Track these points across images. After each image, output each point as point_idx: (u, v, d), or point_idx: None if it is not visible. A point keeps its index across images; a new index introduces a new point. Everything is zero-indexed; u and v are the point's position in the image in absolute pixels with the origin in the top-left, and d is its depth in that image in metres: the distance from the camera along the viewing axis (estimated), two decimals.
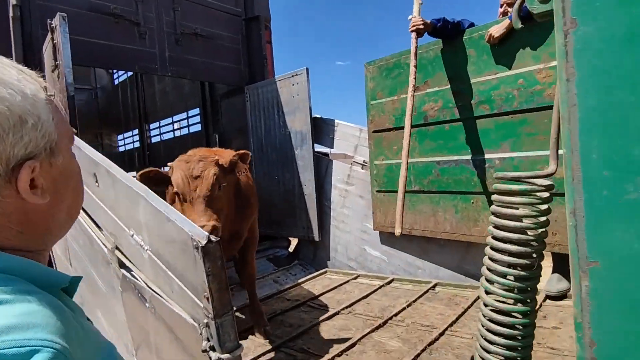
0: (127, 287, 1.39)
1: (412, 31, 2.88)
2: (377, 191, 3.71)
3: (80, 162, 0.59)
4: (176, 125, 8.25)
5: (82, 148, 1.68)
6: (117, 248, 1.49)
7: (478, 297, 2.81)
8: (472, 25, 2.91)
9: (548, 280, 2.70)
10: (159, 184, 2.12)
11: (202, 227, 1.73)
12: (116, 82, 10.03)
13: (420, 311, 2.78)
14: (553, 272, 2.74)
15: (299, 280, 3.88)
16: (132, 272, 1.38)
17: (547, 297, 2.61)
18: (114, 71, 9.98)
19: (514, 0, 2.76)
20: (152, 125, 9.14)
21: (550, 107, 2.57)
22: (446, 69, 3.08)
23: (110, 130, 10.48)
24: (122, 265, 1.43)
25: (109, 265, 1.49)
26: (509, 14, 2.63)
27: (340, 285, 3.61)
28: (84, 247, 1.81)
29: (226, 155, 2.36)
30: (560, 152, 2.05)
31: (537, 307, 2.45)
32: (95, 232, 1.66)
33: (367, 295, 3.23)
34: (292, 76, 4.42)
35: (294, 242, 4.99)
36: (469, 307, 2.66)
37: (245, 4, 5.14)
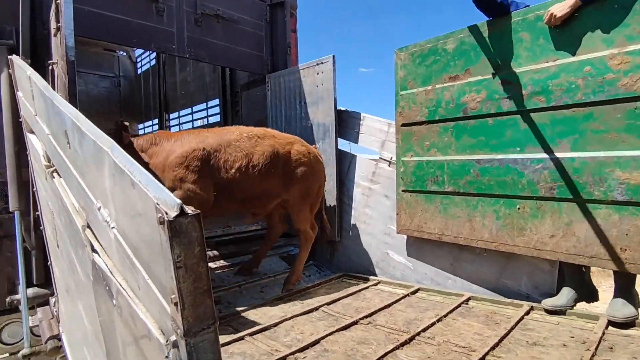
0: (97, 276, 1.11)
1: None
2: (402, 190, 3.36)
3: (55, 120, 0.30)
4: (195, 116, 8.10)
5: (55, 102, 1.41)
6: (88, 226, 1.22)
7: (522, 317, 2.44)
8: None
9: (611, 304, 2.31)
10: None
11: None
12: (139, 71, 9.98)
13: (453, 328, 2.42)
14: (615, 295, 2.34)
15: (314, 283, 3.57)
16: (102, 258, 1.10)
17: (611, 323, 2.22)
18: (137, 60, 9.93)
19: None
20: (172, 115, 9.03)
21: (625, 100, 2.20)
22: (492, 55, 2.71)
23: (131, 119, 10.44)
24: (93, 248, 1.14)
25: (85, 248, 1.21)
26: None
27: (359, 291, 3.29)
28: (66, 226, 1.55)
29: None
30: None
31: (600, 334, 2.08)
32: (73, 206, 1.39)
33: (390, 305, 2.89)
34: (317, 64, 4.12)
35: None
36: (512, 328, 2.29)
37: None
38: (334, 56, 4.03)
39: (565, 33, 2.35)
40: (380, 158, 3.79)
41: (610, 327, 2.20)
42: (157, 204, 0.73)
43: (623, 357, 1.87)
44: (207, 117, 7.61)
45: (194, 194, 2.88)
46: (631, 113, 2.14)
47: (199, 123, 8.03)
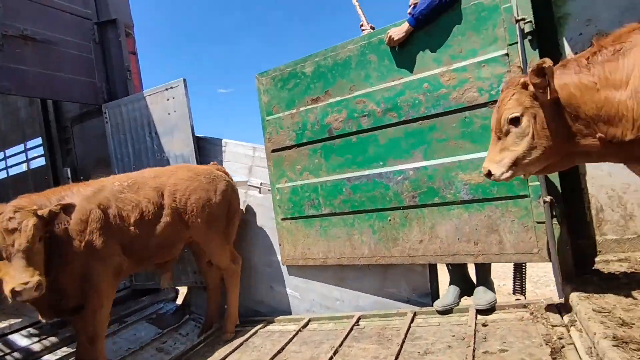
0: None
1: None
2: (282, 219, 3.17)
3: None
4: (10, 161, 6.38)
5: None
6: None
7: (409, 327, 2.49)
8: None
9: (474, 294, 2.54)
10: None
11: (26, 283, 1.80)
12: None
13: (350, 358, 2.30)
14: (477, 285, 2.60)
15: (193, 344, 3.03)
16: None
17: (478, 312, 2.43)
18: None
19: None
20: None
21: (457, 111, 2.50)
22: (347, 76, 2.80)
23: None
24: None
25: None
26: (410, 15, 2.48)
27: (248, 339, 2.92)
28: None
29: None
30: None
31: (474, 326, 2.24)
32: None
33: (283, 348, 2.62)
34: (166, 89, 3.66)
35: (183, 291, 4.06)
36: (403, 342, 2.29)
37: (97, 5, 4.19)
38: (184, 79, 3.65)
39: (405, 54, 2.57)
40: (249, 185, 3.54)
41: (479, 316, 2.41)
42: None
43: (495, 345, 2.04)
44: (27, 160, 6.06)
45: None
46: (463, 122, 2.44)
47: (19, 169, 6.35)
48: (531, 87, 1.68)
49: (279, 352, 2.55)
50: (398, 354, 2.17)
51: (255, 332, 3.02)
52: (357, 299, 3.04)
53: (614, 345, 1.47)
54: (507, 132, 1.75)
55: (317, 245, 3.02)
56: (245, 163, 3.57)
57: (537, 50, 2.15)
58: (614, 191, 2.34)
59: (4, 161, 6.48)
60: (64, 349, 3.05)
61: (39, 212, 2.02)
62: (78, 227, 2.28)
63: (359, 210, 2.81)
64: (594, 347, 1.61)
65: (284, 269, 3.31)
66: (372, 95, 2.69)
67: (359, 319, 2.80)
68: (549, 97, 1.63)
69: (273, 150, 3.17)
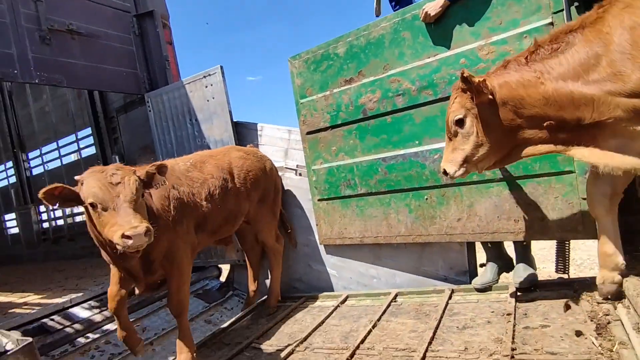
0: None
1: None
2: (318, 200, 3.26)
3: None
4: (63, 151, 6.87)
5: None
6: None
7: (447, 303, 2.53)
8: None
9: (514, 272, 2.52)
10: (66, 201, 1.97)
11: (136, 227, 1.78)
12: None
13: (389, 331, 2.38)
14: (517, 262, 2.57)
15: (238, 316, 3.24)
16: None
17: (518, 290, 2.42)
18: None
19: None
20: (31, 154, 7.52)
21: None
22: (380, 55, 2.78)
23: None
24: None
25: None
26: None
27: (289, 313, 3.07)
28: None
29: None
30: None
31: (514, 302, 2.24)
32: None
33: (323, 322, 2.74)
34: (204, 77, 3.78)
35: (225, 269, 4.29)
36: (441, 317, 2.34)
37: None
38: (221, 66, 3.75)
39: (440, 29, 2.51)
40: (285, 167, 3.64)
41: (519, 293, 2.40)
42: None
43: (536, 320, 2.03)
44: (79, 149, 6.51)
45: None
46: None
47: (71, 158, 6.84)
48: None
49: (319, 325, 2.68)
50: (437, 328, 2.22)
51: (296, 307, 3.16)
52: (393, 277, 3.10)
53: None
54: (456, 133, 1.92)
55: (353, 224, 3.09)
56: (281, 146, 3.66)
57: None
58: None
59: (57, 151, 6.99)
60: None
61: (137, 173, 2.08)
62: (162, 203, 2.41)
63: (395, 189, 2.83)
64: None
65: (321, 248, 3.41)
66: (406, 74, 2.66)
67: (396, 295, 2.86)
68: (482, 99, 1.78)
69: (308, 133, 3.23)
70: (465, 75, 1.76)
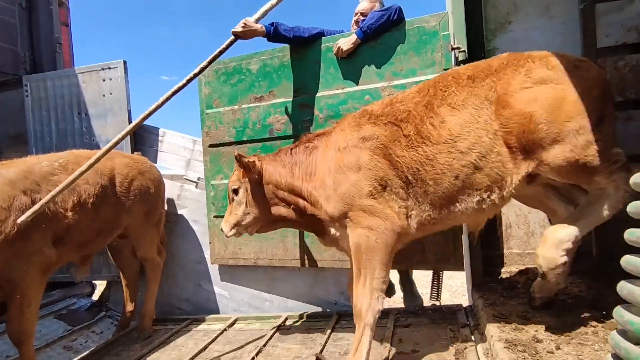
0: None
1: (234, 33, 2.36)
2: (214, 216, 3.10)
3: None
4: None
5: None
6: None
7: (333, 328, 2.57)
8: (320, 34, 2.75)
9: (404, 296, 2.68)
10: None
11: None
12: None
13: (273, 357, 2.31)
14: (404, 288, 2.76)
15: (108, 340, 2.84)
16: None
17: (399, 314, 2.57)
18: None
19: (367, 11, 2.80)
20: None
21: None
22: (292, 79, 2.83)
23: None
24: None
25: None
26: (359, 27, 2.58)
27: (169, 337, 2.80)
28: None
29: None
30: None
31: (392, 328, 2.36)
32: None
33: (206, 347, 2.56)
34: (103, 69, 3.41)
35: (100, 286, 3.78)
36: (326, 343, 2.36)
37: None
38: (124, 61, 3.43)
39: (350, 65, 2.67)
40: (185, 178, 3.41)
41: (398, 320, 2.56)
42: None
43: (408, 346, 2.18)
44: None
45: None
46: None
47: None
48: None
49: (200, 351, 2.49)
50: (320, 353, 2.22)
51: (178, 331, 2.90)
52: (286, 301, 3.07)
53: (505, 347, 1.65)
54: (232, 199, 2.22)
55: (249, 244, 3.00)
56: (184, 156, 3.44)
57: None
58: (521, 210, 2.62)
59: None
60: None
61: None
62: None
63: None
64: (490, 349, 1.79)
65: (214, 267, 3.23)
66: (316, 101, 2.75)
67: (285, 319, 2.83)
68: (251, 176, 2.13)
69: (210, 145, 3.09)
70: (235, 154, 2.09)
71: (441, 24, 2.42)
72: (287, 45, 2.82)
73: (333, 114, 2.70)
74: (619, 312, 1.21)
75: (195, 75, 2.19)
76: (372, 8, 2.68)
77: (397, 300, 3.30)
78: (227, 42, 2.29)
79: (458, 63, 2.37)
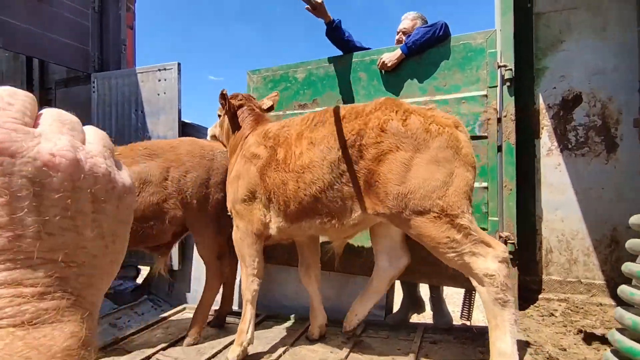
0: None
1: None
2: None
3: None
4: None
5: None
6: None
7: (360, 336, 2.61)
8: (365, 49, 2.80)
9: (434, 313, 2.67)
10: None
11: None
12: None
13: (299, 357, 2.40)
14: (434, 305, 2.74)
15: (148, 322, 3.06)
16: None
17: (434, 330, 2.57)
18: None
19: (409, 30, 2.83)
20: None
21: None
22: (336, 89, 2.91)
23: None
24: None
25: None
26: (403, 42, 2.61)
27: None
28: None
29: None
30: None
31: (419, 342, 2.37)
32: None
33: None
34: (160, 70, 3.67)
35: (144, 271, 4.06)
36: (352, 349, 2.41)
37: None
38: (179, 63, 3.67)
39: (393, 78, 2.70)
40: None
41: (425, 334, 2.56)
42: None
43: None
44: None
45: None
46: None
47: None
48: None
49: (232, 342, 2.62)
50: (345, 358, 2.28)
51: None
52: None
53: None
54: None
55: (282, 245, 3.10)
56: None
57: (513, 97, 2.31)
58: (564, 236, 2.53)
59: None
60: None
61: None
62: None
63: None
64: None
65: None
66: None
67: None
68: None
69: None
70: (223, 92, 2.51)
71: (488, 41, 2.39)
72: (333, 57, 2.91)
73: None
74: None
75: None
76: (414, 25, 2.72)
77: (427, 316, 3.28)
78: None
79: (504, 81, 2.34)
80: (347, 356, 2.33)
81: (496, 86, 2.35)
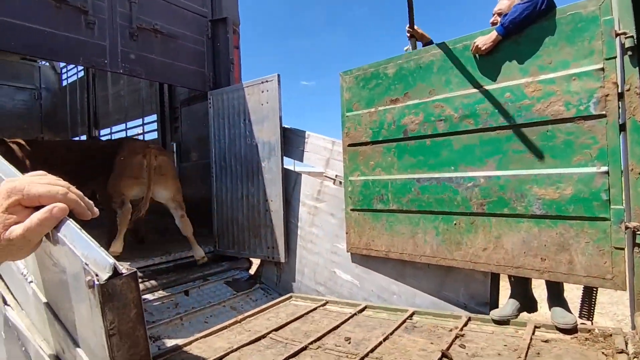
0: (10, 334, 0.95)
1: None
2: (351, 209, 3.41)
3: None
4: (130, 133, 7.61)
5: None
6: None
7: (462, 329, 2.56)
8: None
9: (554, 313, 2.44)
10: None
11: None
12: (64, 82, 9.19)
13: (399, 346, 2.46)
14: (552, 304, 2.51)
15: (261, 307, 3.45)
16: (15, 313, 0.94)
17: (561, 331, 2.37)
18: (62, 71, 9.14)
19: (505, 10, 2.68)
20: (102, 131, 8.39)
21: (539, 123, 2.45)
22: (427, 80, 2.90)
23: (54, 136, 9.53)
24: (5, 301, 0.98)
25: None
26: (498, 24, 2.49)
27: (307, 313, 3.23)
28: None
29: None
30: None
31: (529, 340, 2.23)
32: None
33: (338, 326, 2.87)
34: (262, 82, 4.09)
35: (255, 263, 4.55)
36: (453, 341, 2.38)
37: (213, 4, 4.80)
38: (278, 75, 4.04)
39: (489, 62, 2.59)
40: (324, 176, 3.82)
41: (536, 332, 2.38)
42: (85, 264, 0.62)
43: None
44: (143, 133, 7.18)
45: None
46: (544, 135, 2.40)
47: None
48: None
49: (334, 328, 2.81)
50: (447, 350, 2.27)
51: (315, 309, 3.31)
52: (413, 297, 3.16)
53: None
54: None
55: (381, 238, 3.20)
56: (324, 155, 3.85)
57: (637, 68, 2.03)
58: None
59: (125, 132, 7.75)
60: (161, 292, 3.70)
61: None
62: None
63: (426, 210, 2.91)
64: None
65: (347, 257, 3.54)
66: (450, 101, 2.76)
67: (412, 314, 2.92)
68: None
69: (349, 145, 3.40)
70: None
71: (602, 8, 2.14)
72: (423, 48, 2.91)
73: (469, 113, 2.66)
74: None
75: None
76: (512, 3, 2.54)
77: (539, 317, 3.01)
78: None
79: (625, 51, 2.06)
80: (448, 348, 2.31)
81: (615, 57, 2.09)
